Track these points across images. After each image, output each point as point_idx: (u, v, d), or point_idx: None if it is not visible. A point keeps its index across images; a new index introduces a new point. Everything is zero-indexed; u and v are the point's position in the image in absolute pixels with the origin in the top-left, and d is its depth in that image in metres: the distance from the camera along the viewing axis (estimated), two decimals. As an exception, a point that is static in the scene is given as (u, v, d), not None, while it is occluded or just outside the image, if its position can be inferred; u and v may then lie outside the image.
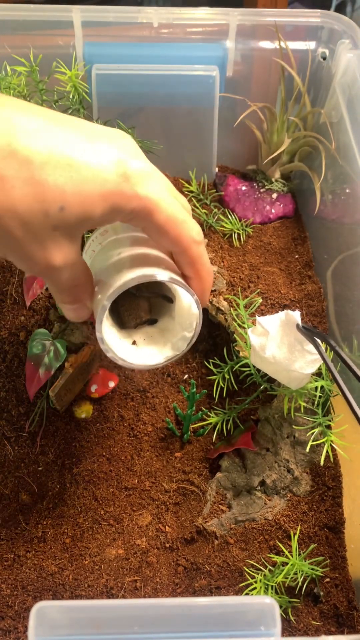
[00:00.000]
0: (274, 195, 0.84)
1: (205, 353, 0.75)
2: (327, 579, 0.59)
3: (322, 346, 0.52)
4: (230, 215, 0.80)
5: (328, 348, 0.55)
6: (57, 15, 0.75)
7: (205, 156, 0.85)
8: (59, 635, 0.39)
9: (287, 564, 0.57)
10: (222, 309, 0.70)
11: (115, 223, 0.51)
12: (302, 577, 0.57)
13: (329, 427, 0.60)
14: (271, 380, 0.64)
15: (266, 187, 0.85)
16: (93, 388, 0.69)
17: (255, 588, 0.56)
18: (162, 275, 0.44)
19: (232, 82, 0.81)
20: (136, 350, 0.50)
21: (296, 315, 0.53)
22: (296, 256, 0.80)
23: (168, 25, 0.77)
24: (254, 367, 0.63)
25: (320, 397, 0.62)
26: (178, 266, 0.48)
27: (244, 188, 0.85)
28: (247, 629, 0.39)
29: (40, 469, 0.65)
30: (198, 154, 0.85)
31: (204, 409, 0.69)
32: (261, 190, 0.85)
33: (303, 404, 0.61)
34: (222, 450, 0.66)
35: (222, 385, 0.66)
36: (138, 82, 0.77)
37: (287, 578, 0.57)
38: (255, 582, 0.57)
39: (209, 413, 0.68)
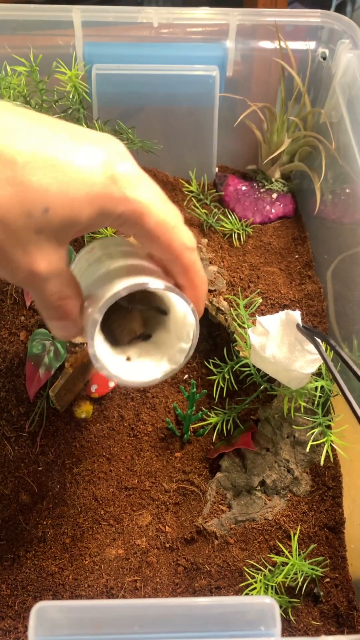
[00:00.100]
0: (274, 195, 0.84)
1: (205, 353, 0.75)
2: (327, 579, 0.59)
3: (322, 346, 0.52)
4: (230, 215, 0.80)
5: (328, 348, 0.55)
6: (57, 15, 0.75)
7: (205, 156, 0.85)
8: (59, 635, 0.39)
9: (287, 564, 0.57)
10: (222, 309, 0.70)
11: (102, 240, 0.50)
12: (302, 577, 0.57)
13: (329, 427, 0.60)
14: (271, 380, 0.64)
15: (266, 187, 0.85)
16: (93, 388, 0.69)
17: (255, 588, 0.56)
18: (155, 283, 0.42)
19: (232, 82, 0.81)
20: (132, 367, 0.47)
21: (296, 315, 0.53)
22: (296, 256, 0.80)
23: (168, 25, 0.77)
24: (254, 367, 0.63)
25: (320, 397, 0.62)
26: (171, 275, 0.46)
27: (244, 188, 0.85)
28: (247, 629, 0.39)
29: (40, 469, 0.65)
30: (198, 154, 0.85)
31: (204, 409, 0.69)
32: (261, 190, 0.85)
33: (303, 404, 0.61)
34: (222, 450, 0.66)
35: (222, 385, 0.66)
36: (138, 82, 0.77)
37: (287, 578, 0.57)
38: (255, 582, 0.57)
39: (209, 413, 0.68)
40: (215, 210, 0.81)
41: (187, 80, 0.78)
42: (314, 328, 0.53)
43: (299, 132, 0.81)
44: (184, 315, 0.46)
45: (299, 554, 0.58)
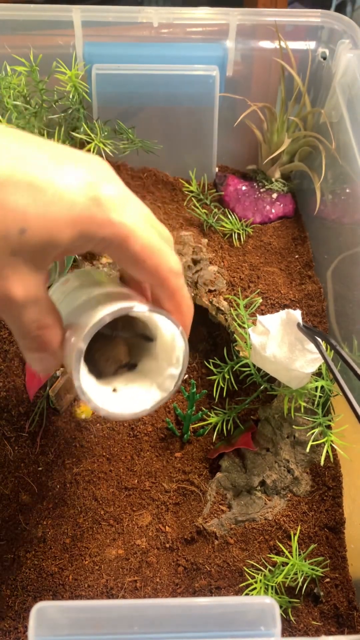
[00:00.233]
0: (274, 195, 0.84)
1: (205, 353, 0.75)
2: (327, 579, 0.59)
3: (323, 345, 0.52)
4: (230, 215, 0.80)
5: (328, 347, 0.55)
6: (57, 15, 0.75)
7: (205, 156, 0.85)
8: (59, 635, 0.39)
9: (287, 564, 0.57)
10: (222, 309, 0.70)
11: (77, 271, 0.48)
12: (302, 577, 0.57)
13: (329, 427, 0.60)
14: (271, 380, 0.64)
15: (266, 187, 0.85)
16: (93, 388, 0.69)
17: (255, 588, 0.56)
18: (140, 307, 0.40)
19: (232, 82, 0.81)
20: (119, 398, 0.45)
21: (297, 315, 0.53)
22: (296, 256, 0.80)
23: (168, 25, 0.77)
24: (254, 367, 0.63)
25: (320, 397, 0.62)
26: (156, 301, 0.44)
27: (244, 188, 0.85)
28: (247, 629, 0.39)
29: (40, 469, 0.65)
30: (198, 154, 0.85)
31: (204, 409, 0.69)
32: (261, 190, 0.85)
33: (303, 404, 0.61)
34: (222, 450, 0.66)
35: (222, 385, 0.66)
36: (138, 82, 0.77)
37: (287, 578, 0.56)
38: (255, 582, 0.57)
39: (209, 413, 0.68)
40: (215, 210, 0.81)
41: (187, 80, 0.78)
42: (314, 328, 0.53)
43: (299, 132, 0.81)
44: (172, 339, 0.44)
45: (299, 554, 0.58)
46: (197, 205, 0.81)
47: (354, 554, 0.61)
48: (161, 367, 0.45)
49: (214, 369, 0.67)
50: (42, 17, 0.75)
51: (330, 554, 0.60)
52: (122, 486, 0.65)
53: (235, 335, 0.66)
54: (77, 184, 0.37)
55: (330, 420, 0.61)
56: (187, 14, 0.77)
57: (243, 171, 0.89)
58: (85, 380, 0.41)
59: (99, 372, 0.45)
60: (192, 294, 0.71)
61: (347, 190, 0.73)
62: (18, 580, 0.59)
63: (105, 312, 0.39)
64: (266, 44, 0.79)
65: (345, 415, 0.61)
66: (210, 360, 0.68)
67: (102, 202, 0.37)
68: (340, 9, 1.45)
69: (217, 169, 0.88)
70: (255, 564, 0.59)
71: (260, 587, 0.56)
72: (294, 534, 0.59)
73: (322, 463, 0.62)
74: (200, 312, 0.72)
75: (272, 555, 0.59)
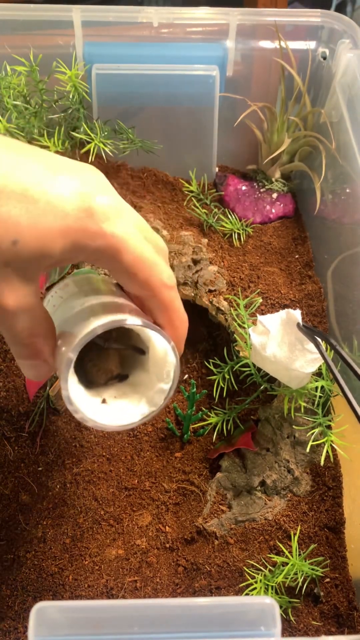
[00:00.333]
0: (274, 195, 0.84)
1: (205, 353, 0.75)
2: (327, 579, 0.59)
3: (323, 345, 0.52)
4: (231, 215, 0.80)
5: (328, 347, 0.55)
6: (57, 15, 0.75)
7: (205, 156, 0.85)
8: (58, 636, 0.39)
9: (287, 564, 0.57)
10: (222, 309, 0.70)
11: (76, 276, 0.48)
12: (302, 577, 0.57)
13: (329, 427, 0.60)
14: (271, 380, 0.64)
15: (266, 187, 0.85)
16: (93, 388, 0.69)
17: (255, 588, 0.56)
18: (133, 320, 0.40)
19: (232, 82, 0.81)
20: (108, 410, 0.45)
21: (297, 314, 0.53)
22: (296, 256, 0.80)
23: (168, 25, 0.77)
24: (254, 367, 0.63)
25: (320, 397, 0.62)
26: (149, 314, 0.44)
27: (244, 188, 0.85)
28: (247, 629, 0.39)
29: (40, 469, 0.65)
30: (198, 154, 0.85)
31: (204, 409, 0.69)
32: (261, 190, 0.85)
33: (303, 404, 0.61)
34: (222, 450, 0.66)
35: (222, 385, 0.66)
36: (138, 82, 0.77)
37: (287, 578, 0.56)
38: (256, 582, 0.57)
39: (209, 413, 0.68)
40: (215, 210, 0.81)
41: (187, 80, 0.78)
42: (314, 327, 0.53)
43: (299, 132, 0.81)
44: (164, 354, 0.44)
45: (299, 554, 0.58)
46: (197, 205, 0.81)
47: (354, 554, 0.61)
48: (152, 381, 0.45)
49: (214, 369, 0.67)
50: (42, 17, 0.75)
51: (330, 554, 0.60)
52: (122, 486, 0.65)
53: (235, 335, 0.66)
54: (69, 195, 0.37)
55: (330, 420, 0.61)
56: (187, 14, 0.77)
57: (243, 171, 0.89)
58: (74, 390, 0.41)
59: (89, 381, 0.45)
60: (192, 294, 0.71)
61: (347, 190, 0.73)
62: (18, 580, 0.59)
63: (97, 324, 0.39)
64: (266, 44, 0.79)
65: (345, 415, 0.61)
66: (210, 360, 0.68)
67: (94, 213, 0.37)
68: (340, 9, 1.45)
69: (217, 169, 0.88)
70: (255, 564, 0.59)
71: (260, 587, 0.56)
72: (294, 534, 0.59)
73: (322, 463, 0.62)
74: (200, 312, 0.72)
75: (272, 555, 0.59)
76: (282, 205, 0.84)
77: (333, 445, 0.59)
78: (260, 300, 0.70)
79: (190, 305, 0.70)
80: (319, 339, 0.52)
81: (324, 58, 0.78)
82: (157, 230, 0.72)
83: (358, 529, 0.62)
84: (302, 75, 0.78)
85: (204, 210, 0.80)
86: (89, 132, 0.73)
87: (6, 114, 0.72)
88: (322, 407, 0.61)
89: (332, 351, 0.55)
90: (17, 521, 0.62)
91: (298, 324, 0.53)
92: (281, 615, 0.52)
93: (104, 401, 0.45)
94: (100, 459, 0.66)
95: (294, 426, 0.63)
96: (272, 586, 0.57)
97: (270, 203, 0.84)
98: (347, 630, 0.57)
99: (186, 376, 0.74)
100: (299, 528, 0.61)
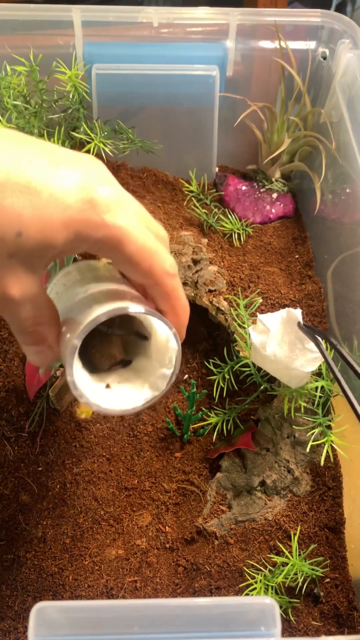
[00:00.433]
0: (274, 195, 0.84)
1: (205, 353, 0.75)
2: (327, 579, 0.59)
3: (323, 344, 0.52)
4: (231, 215, 0.80)
5: (329, 346, 0.55)
6: (57, 15, 0.75)
7: (205, 156, 0.85)
8: (58, 636, 0.39)
9: (287, 564, 0.57)
10: (222, 309, 0.70)
11: (79, 263, 0.49)
12: (302, 578, 0.57)
13: (329, 427, 0.60)
14: (271, 380, 0.64)
15: (266, 187, 0.85)
16: (93, 388, 0.69)
17: (255, 588, 0.56)
18: (135, 307, 0.41)
19: (232, 82, 0.81)
20: (111, 394, 0.46)
21: (297, 313, 0.53)
22: (296, 256, 0.80)
23: (168, 25, 0.77)
24: (254, 366, 0.63)
25: (320, 397, 0.62)
26: (152, 301, 0.45)
27: (244, 188, 0.85)
28: (247, 629, 0.39)
29: (40, 469, 0.65)
30: (198, 154, 0.85)
31: (204, 409, 0.69)
32: (261, 190, 0.84)
33: (303, 404, 0.61)
34: (222, 450, 0.66)
35: (222, 385, 0.66)
36: (138, 82, 0.77)
37: (287, 578, 0.56)
38: (255, 582, 0.57)
39: (209, 413, 0.68)
40: (215, 210, 0.81)
41: (187, 80, 0.78)
42: (315, 327, 0.53)
43: (299, 132, 0.81)
44: (166, 341, 0.45)
45: (299, 554, 0.58)
46: (197, 205, 0.81)
47: (354, 554, 0.61)
48: (154, 367, 0.46)
49: (214, 369, 0.67)
50: (42, 17, 0.75)
51: (330, 554, 0.60)
52: (122, 486, 0.65)
53: (235, 335, 0.66)
54: (72, 187, 0.37)
55: (330, 420, 0.61)
56: (187, 14, 0.77)
57: (243, 171, 0.89)
58: (78, 375, 0.42)
59: (93, 366, 0.46)
60: (192, 294, 0.71)
61: (347, 190, 0.73)
62: (18, 580, 0.59)
63: (100, 312, 0.40)
64: (266, 44, 0.79)
65: (345, 415, 0.61)
66: (210, 360, 0.68)
67: (96, 204, 0.38)
68: (340, 9, 1.45)
69: (217, 169, 0.88)
70: (255, 564, 0.59)
71: (260, 587, 0.56)
72: (294, 534, 0.59)
73: (322, 463, 0.62)
74: (200, 312, 0.72)
75: (272, 556, 0.59)
76: (282, 205, 0.84)
77: (333, 445, 0.59)
78: (260, 300, 0.70)
79: (190, 305, 0.70)
80: (320, 338, 0.52)
81: (324, 58, 0.78)
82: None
83: (358, 529, 0.62)
84: (302, 75, 0.78)
85: (204, 210, 0.80)
86: (89, 132, 0.73)
87: (6, 114, 0.72)
88: (322, 407, 0.61)
89: (333, 350, 0.55)
90: (17, 521, 0.62)
91: (298, 323, 0.53)
92: (281, 615, 0.52)
93: (107, 386, 0.46)
94: (100, 459, 0.66)
95: (294, 426, 0.63)
96: (272, 586, 0.57)
97: (270, 203, 0.84)
98: (347, 630, 0.57)
99: (186, 376, 0.74)
100: (299, 528, 0.61)
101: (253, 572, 0.58)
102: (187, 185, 0.82)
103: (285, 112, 0.80)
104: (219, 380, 0.66)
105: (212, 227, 0.79)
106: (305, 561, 0.58)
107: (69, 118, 0.76)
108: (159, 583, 0.59)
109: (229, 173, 0.88)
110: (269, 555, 0.59)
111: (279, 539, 0.60)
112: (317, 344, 0.52)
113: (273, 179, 0.85)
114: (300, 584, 0.57)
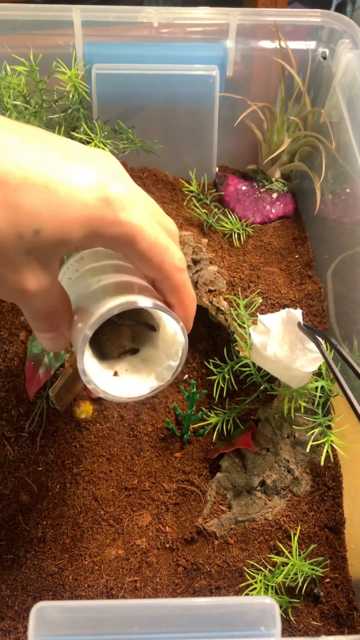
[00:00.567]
0: (274, 195, 0.84)
1: (205, 353, 0.75)
2: (327, 579, 0.59)
3: (323, 344, 0.52)
4: (231, 215, 0.80)
5: (329, 346, 0.55)
6: (57, 15, 0.75)
7: (205, 156, 0.85)
8: (58, 636, 0.39)
9: (287, 564, 0.57)
10: (222, 309, 0.70)
11: (91, 249, 0.49)
12: (302, 578, 0.57)
13: (329, 427, 0.60)
14: (271, 380, 0.64)
15: (266, 187, 0.85)
16: (93, 388, 0.69)
17: (255, 588, 0.56)
18: (145, 302, 0.43)
19: (232, 82, 0.81)
20: (119, 382, 0.48)
21: (297, 314, 0.53)
22: (296, 256, 0.80)
23: (168, 25, 0.77)
24: (254, 366, 0.63)
25: (320, 397, 0.62)
26: (161, 293, 0.46)
27: (244, 188, 0.84)
28: (247, 629, 0.39)
29: (40, 469, 0.65)
30: (198, 154, 0.85)
31: (204, 409, 0.69)
32: (261, 190, 0.84)
33: (303, 404, 0.61)
34: (222, 450, 0.66)
35: (222, 385, 0.66)
36: (138, 82, 0.77)
37: (287, 578, 0.56)
38: (255, 582, 0.57)
39: (209, 413, 0.68)
40: (215, 210, 0.81)
41: (187, 80, 0.78)
42: (315, 327, 0.53)
43: (299, 132, 0.81)
44: (173, 333, 0.46)
45: (299, 554, 0.58)
46: (197, 205, 0.81)
47: (354, 554, 0.61)
48: (161, 358, 0.48)
49: (214, 369, 0.67)
50: (42, 17, 0.75)
51: (330, 554, 0.60)
52: (122, 486, 0.65)
53: (235, 335, 0.66)
54: (88, 184, 0.39)
55: (330, 420, 0.61)
56: (187, 14, 0.77)
57: (243, 171, 0.89)
58: (88, 363, 0.44)
59: (102, 354, 0.48)
60: (192, 294, 0.71)
61: (347, 190, 0.73)
62: (18, 580, 0.59)
63: (113, 305, 0.42)
64: (266, 44, 0.79)
65: (345, 415, 0.61)
66: (210, 360, 0.68)
67: (111, 202, 0.39)
68: (340, 9, 1.45)
69: (217, 169, 0.88)
70: (255, 564, 0.59)
71: (260, 587, 0.56)
72: (294, 534, 0.59)
73: (322, 463, 0.62)
74: (200, 312, 0.72)
75: (272, 556, 0.59)
76: (282, 205, 0.84)
77: (333, 445, 0.59)
78: (260, 300, 0.70)
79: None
80: (320, 338, 0.52)
81: (324, 58, 0.78)
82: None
83: (358, 529, 0.62)
84: (302, 75, 0.78)
85: (204, 210, 0.80)
86: (88, 132, 0.73)
87: (6, 114, 0.72)
88: (322, 407, 0.61)
89: (333, 350, 0.55)
90: (17, 521, 0.62)
91: (299, 323, 0.53)
92: (281, 615, 0.52)
93: (115, 374, 0.48)
94: (100, 459, 0.66)
95: (294, 426, 0.63)
96: (272, 586, 0.57)
97: (270, 203, 0.84)
98: (347, 630, 0.57)
99: (186, 376, 0.74)
100: (299, 528, 0.61)
101: (253, 572, 0.58)
102: (187, 185, 0.82)
103: (285, 112, 0.80)
104: (219, 380, 0.66)
105: (212, 227, 0.79)
106: (305, 561, 0.58)
107: (69, 118, 0.76)
108: (159, 583, 0.59)
109: (229, 173, 0.88)
110: (269, 555, 0.59)
111: (279, 539, 0.60)
112: (317, 344, 0.52)
113: (273, 179, 0.85)
114: (300, 584, 0.57)
